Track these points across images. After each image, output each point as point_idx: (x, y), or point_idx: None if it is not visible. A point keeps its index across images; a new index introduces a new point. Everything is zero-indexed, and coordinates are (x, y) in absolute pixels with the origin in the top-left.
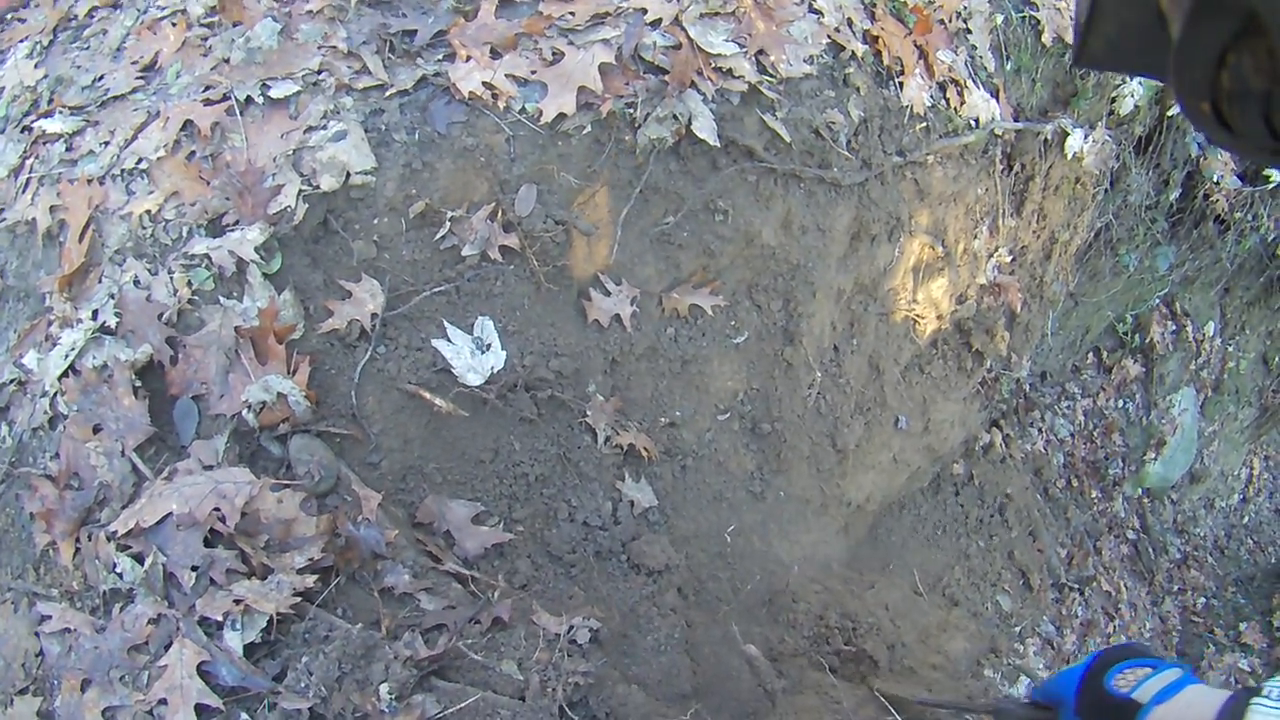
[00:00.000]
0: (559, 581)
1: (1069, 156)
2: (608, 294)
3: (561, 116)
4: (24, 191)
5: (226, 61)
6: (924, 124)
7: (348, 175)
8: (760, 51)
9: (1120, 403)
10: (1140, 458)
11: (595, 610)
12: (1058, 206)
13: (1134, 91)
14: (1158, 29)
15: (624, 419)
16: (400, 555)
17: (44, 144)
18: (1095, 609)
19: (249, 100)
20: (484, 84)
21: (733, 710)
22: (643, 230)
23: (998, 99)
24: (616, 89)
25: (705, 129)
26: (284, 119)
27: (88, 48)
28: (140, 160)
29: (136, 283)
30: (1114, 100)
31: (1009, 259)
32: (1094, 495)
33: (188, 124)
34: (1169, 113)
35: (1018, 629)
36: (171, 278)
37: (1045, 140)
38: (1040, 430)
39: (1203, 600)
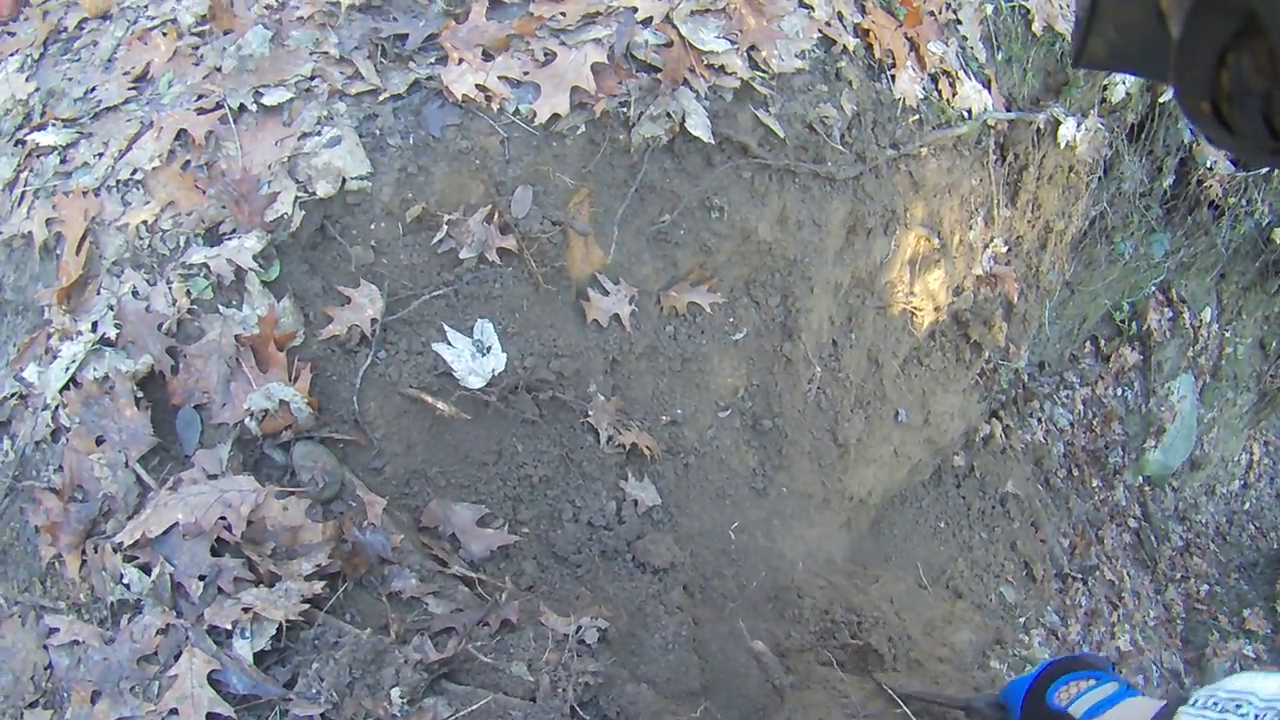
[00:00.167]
0: (565, 582)
1: (1062, 145)
2: (606, 294)
3: (555, 117)
4: (19, 205)
5: (218, 70)
6: (917, 116)
7: (343, 181)
8: (752, 47)
9: (1119, 391)
10: (1140, 446)
11: (602, 610)
12: (1052, 196)
13: (1125, 79)
14: (1158, 29)
15: (626, 418)
16: (406, 560)
17: (38, 157)
18: (1099, 598)
19: (242, 108)
20: (477, 86)
21: (742, 706)
22: (639, 229)
23: (990, 89)
24: (609, 88)
25: (699, 126)
26: (278, 126)
27: (79, 59)
28: (135, 171)
29: (135, 293)
30: (1105, 88)
31: (1005, 249)
32: (1095, 484)
33: (181, 133)
34: (1161, 100)
35: (1022, 620)
36: (170, 288)
37: (1038, 130)
38: (1040, 420)
39: (1206, 587)
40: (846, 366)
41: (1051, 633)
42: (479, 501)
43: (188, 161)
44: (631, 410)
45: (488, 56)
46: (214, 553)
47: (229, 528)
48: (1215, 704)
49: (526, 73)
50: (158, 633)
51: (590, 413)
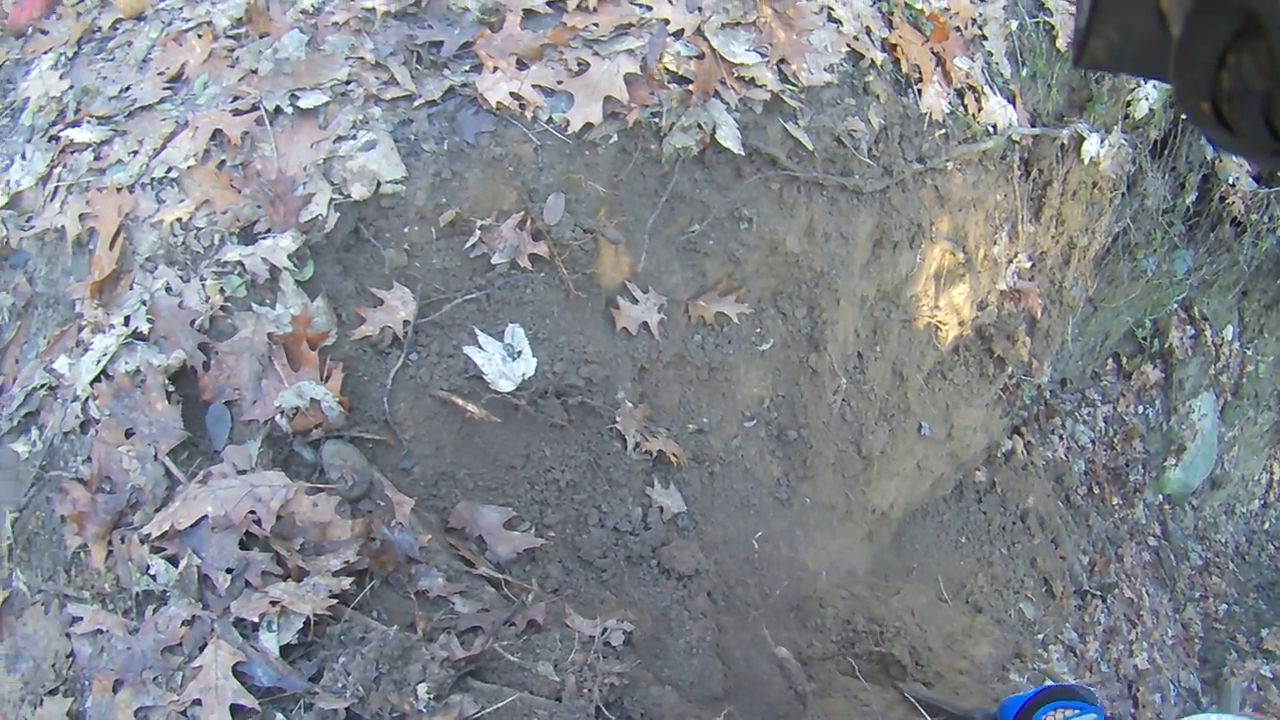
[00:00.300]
0: (590, 586)
1: (1086, 161)
2: (635, 302)
3: (588, 126)
4: (52, 200)
5: (254, 72)
6: (943, 130)
7: (378, 184)
8: (781, 60)
9: (1140, 409)
10: (1161, 464)
11: (627, 614)
12: (1075, 211)
13: (1148, 95)
14: (1158, 29)
15: (653, 425)
16: (434, 559)
17: (72, 153)
18: (1117, 616)
19: (278, 110)
20: (511, 94)
21: (764, 712)
22: (669, 238)
23: (1014, 105)
24: (642, 99)
25: (729, 138)
26: (313, 129)
27: (113, 59)
28: (170, 169)
29: (168, 289)
30: (1129, 104)
31: (1028, 265)
32: (1115, 502)
33: (217, 133)
34: (1184, 116)
35: (1041, 636)
36: (204, 284)
37: (1062, 145)
38: (1061, 437)
39: (1224, 607)
40: (871, 379)
41: (1070, 649)
42: (506, 504)
43: (223, 161)
44: (658, 418)
45: (522, 65)
46: (243, 546)
47: (259, 522)
48: None
49: (560, 82)
50: (183, 624)
51: (618, 419)
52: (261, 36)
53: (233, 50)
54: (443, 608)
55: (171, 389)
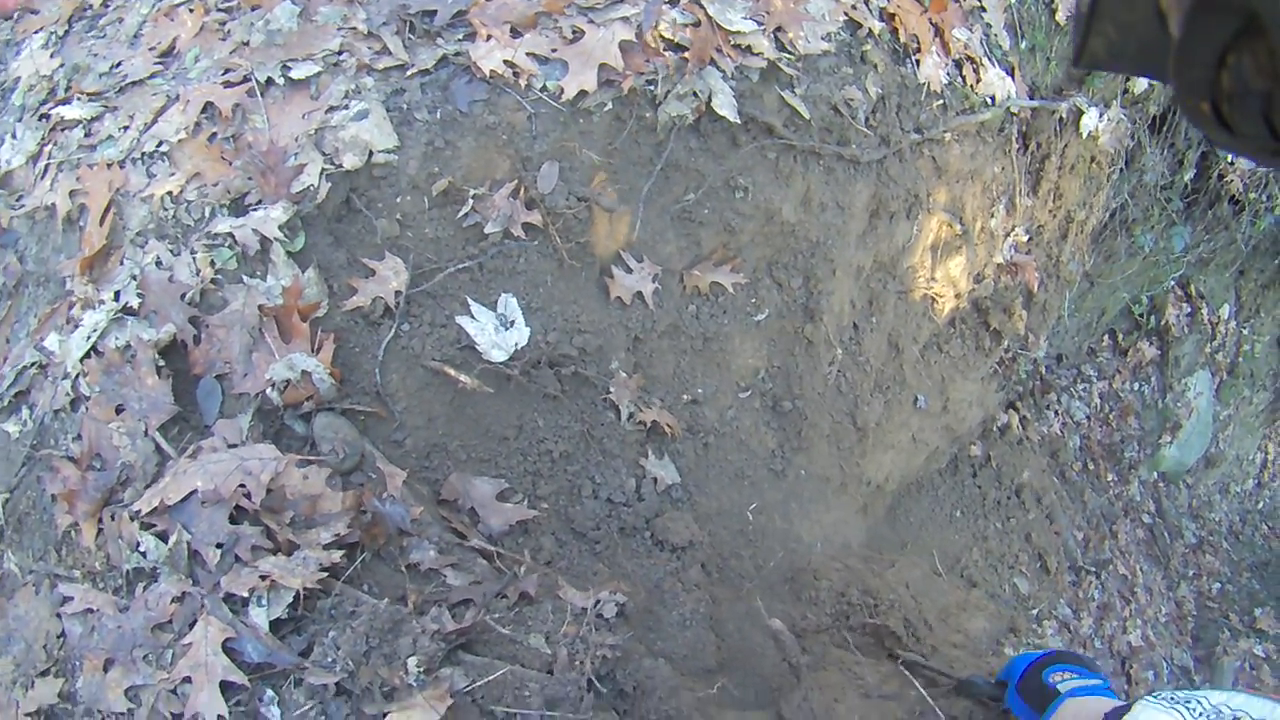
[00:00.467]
0: (584, 558)
1: (1084, 135)
2: (629, 271)
3: (583, 94)
4: (43, 178)
5: (246, 44)
6: (941, 101)
7: (370, 154)
8: (778, 29)
9: (1136, 386)
10: (1156, 441)
11: (621, 585)
12: (1073, 185)
13: None
14: (1158, 29)
15: (647, 396)
16: (425, 532)
17: (62, 130)
18: (1111, 592)
19: (269, 82)
20: (505, 62)
21: (757, 684)
22: (664, 207)
23: (1013, 77)
24: (637, 66)
25: (725, 106)
26: (305, 99)
27: (104, 36)
28: (160, 143)
29: (159, 263)
30: (1128, 79)
31: (1026, 238)
32: (1110, 479)
33: (208, 106)
34: (1183, 116)
35: (1035, 611)
36: (194, 258)
37: (1061, 118)
38: (1057, 413)
39: (1218, 585)
40: (867, 350)
41: (1064, 625)
42: (499, 476)
43: (214, 134)
44: (652, 388)
45: (516, 33)
46: (232, 521)
47: (248, 495)
48: (1171, 699)
49: (554, 50)
50: (173, 601)
51: (612, 389)
52: (253, 9)
53: (224, 24)
54: (434, 580)
55: (162, 364)
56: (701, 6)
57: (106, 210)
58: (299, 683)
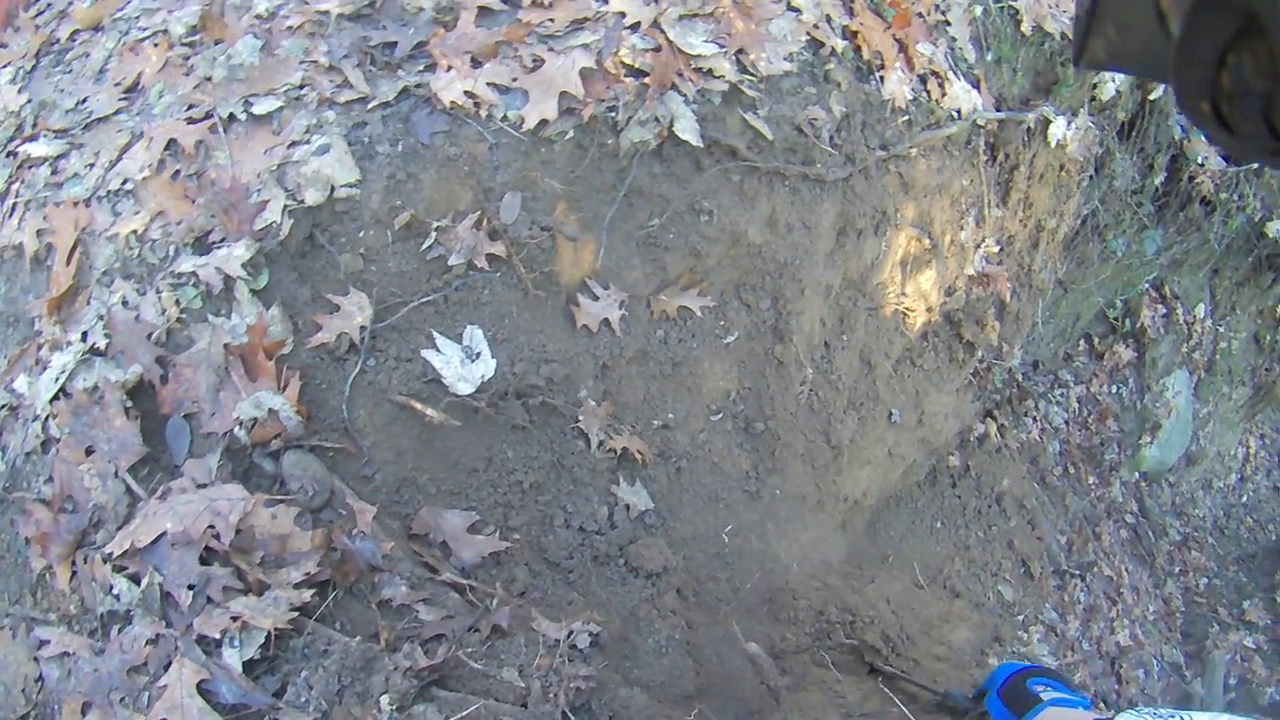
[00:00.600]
0: (557, 588)
1: (1052, 144)
2: (596, 299)
3: (544, 123)
4: (10, 216)
5: (209, 80)
6: (906, 117)
7: (332, 189)
8: (740, 50)
9: (1114, 388)
10: (1136, 442)
11: (595, 615)
12: (1043, 194)
13: (1114, 77)
14: (1158, 29)
15: (617, 423)
16: (397, 567)
17: (29, 168)
18: (1097, 594)
19: (232, 117)
20: (465, 93)
21: (737, 709)
22: (628, 234)
23: (979, 89)
24: (598, 93)
25: (687, 130)
26: (267, 135)
27: (70, 71)
28: (125, 181)
29: (125, 303)
30: (1095, 86)
31: (996, 249)
32: (1091, 481)
33: (171, 143)
34: (1151, 97)
35: (1020, 617)
36: (160, 297)
37: (1028, 129)
38: (1035, 419)
39: (1205, 580)
40: (839, 368)
41: (1050, 629)
42: (470, 508)
43: (178, 171)
44: (622, 415)
45: (476, 63)
46: (203, 562)
47: (218, 536)
48: (1155, 715)
49: (515, 79)
50: (147, 643)
51: (581, 418)
52: (216, 43)
53: (188, 58)
54: (406, 616)
55: (130, 404)
56: (662, 31)
57: (73, 249)
58: None
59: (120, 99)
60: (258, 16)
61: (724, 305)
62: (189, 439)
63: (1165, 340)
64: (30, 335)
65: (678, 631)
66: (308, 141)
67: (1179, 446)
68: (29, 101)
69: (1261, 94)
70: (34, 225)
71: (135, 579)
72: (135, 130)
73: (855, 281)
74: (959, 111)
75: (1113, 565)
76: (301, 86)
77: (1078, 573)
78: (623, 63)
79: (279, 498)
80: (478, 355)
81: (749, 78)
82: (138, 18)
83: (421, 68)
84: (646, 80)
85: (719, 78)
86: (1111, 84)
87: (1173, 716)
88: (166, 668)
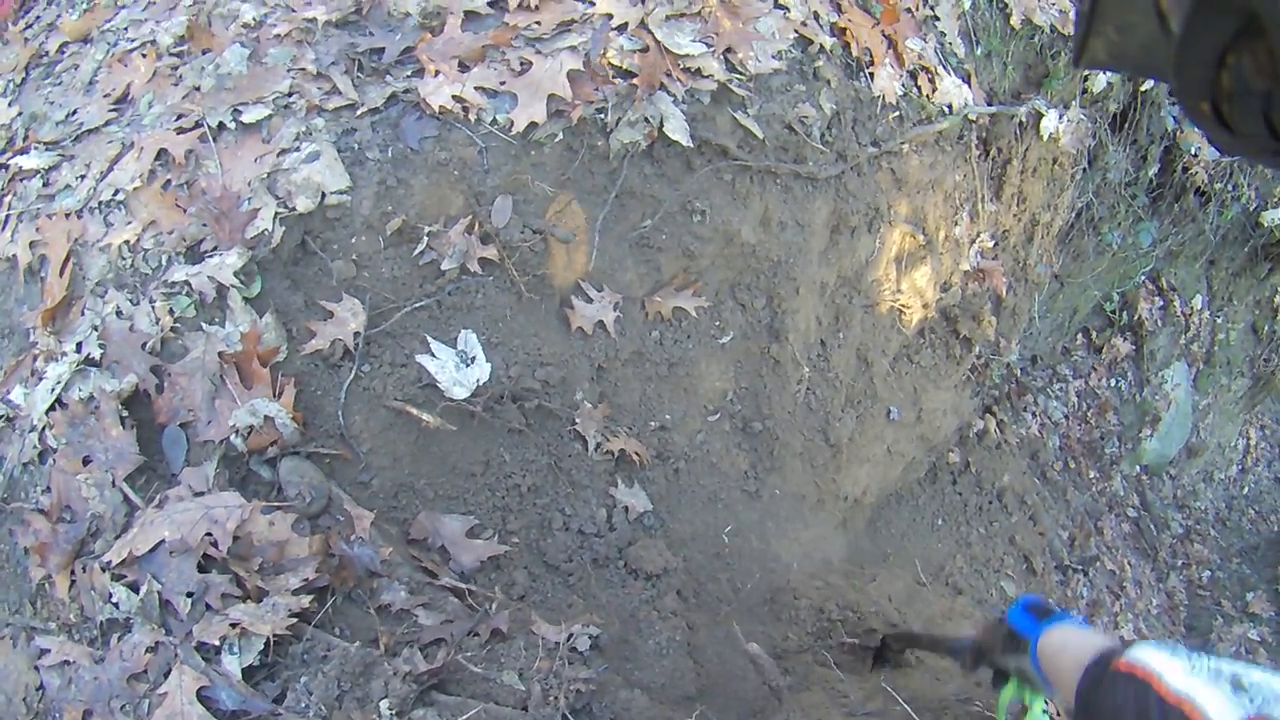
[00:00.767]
0: (557, 591)
1: (1045, 138)
2: (590, 301)
3: (533, 126)
4: (3, 229)
5: (197, 89)
6: (897, 113)
7: (323, 196)
8: (728, 50)
9: (1113, 382)
10: (1136, 435)
11: (595, 617)
12: (1037, 188)
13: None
14: (1158, 29)
15: (613, 425)
16: (395, 572)
17: (21, 180)
18: (1100, 589)
19: (221, 126)
20: (454, 97)
21: (738, 710)
22: (621, 235)
23: (970, 84)
24: (586, 95)
25: (677, 130)
26: (257, 143)
27: (60, 83)
28: (117, 191)
29: (119, 313)
30: (1086, 79)
31: (991, 244)
32: (1092, 475)
33: (162, 153)
34: (1143, 89)
35: None
36: (153, 306)
37: (1020, 123)
38: (1034, 414)
39: (1208, 573)
40: (836, 366)
41: None
42: (468, 512)
43: (168, 181)
44: (619, 417)
45: (464, 68)
46: (201, 569)
47: (215, 544)
48: (1173, 649)
49: (503, 82)
50: (147, 651)
51: (577, 420)
52: (204, 53)
53: (176, 68)
54: (406, 621)
55: (125, 414)
56: (649, 31)
57: (66, 261)
58: None
59: (110, 110)
60: (245, 25)
61: (719, 305)
62: (185, 447)
63: (1163, 332)
64: (25, 347)
65: (678, 633)
66: (297, 149)
67: (1179, 439)
68: (19, 114)
69: (1261, 94)
70: (27, 237)
71: (134, 587)
72: (126, 141)
73: (850, 279)
74: (950, 106)
75: (1115, 559)
76: (290, 94)
77: (1080, 568)
78: (610, 64)
79: (276, 504)
80: (472, 359)
81: (738, 76)
82: (126, 29)
83: (409, 73)
84: (635, 81)
85: (708, 77)
86: (1103, 76)
87: (1191, 654)
88: (166, 675)
